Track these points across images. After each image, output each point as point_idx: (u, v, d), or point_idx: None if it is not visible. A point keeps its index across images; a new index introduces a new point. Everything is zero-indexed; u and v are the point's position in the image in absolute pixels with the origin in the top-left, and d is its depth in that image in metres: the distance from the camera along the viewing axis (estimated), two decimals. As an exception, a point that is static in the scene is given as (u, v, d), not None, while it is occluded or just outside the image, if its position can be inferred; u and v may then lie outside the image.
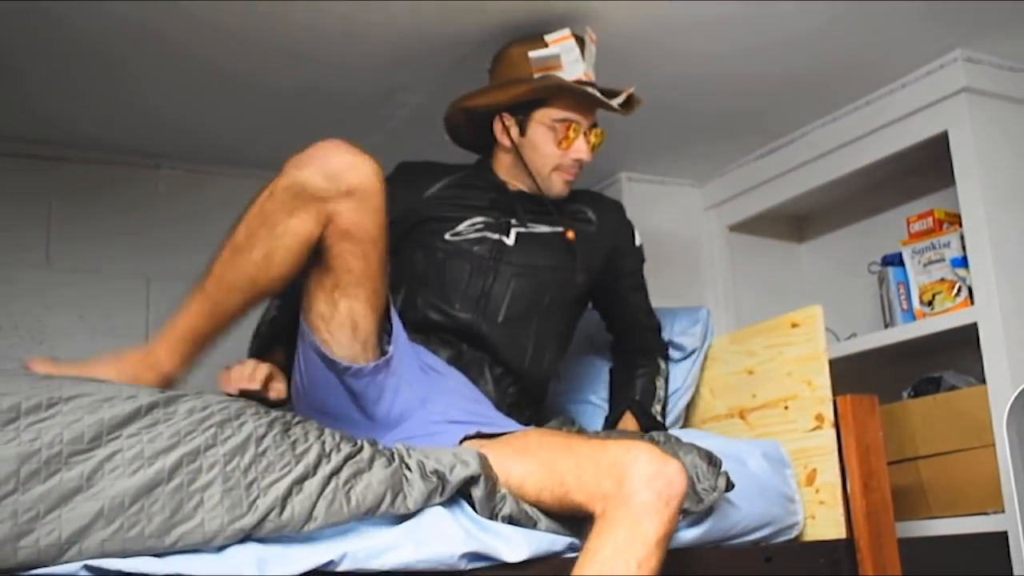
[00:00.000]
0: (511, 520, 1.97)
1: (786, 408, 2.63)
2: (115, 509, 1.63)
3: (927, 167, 3.23)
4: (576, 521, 1.98)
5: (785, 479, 2.51)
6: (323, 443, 1.86)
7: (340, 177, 2.00)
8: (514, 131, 2.54)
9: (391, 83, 2.91)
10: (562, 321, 2.60)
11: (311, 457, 1.81)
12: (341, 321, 2.10)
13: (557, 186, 2.56)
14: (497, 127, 2.57)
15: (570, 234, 2.57)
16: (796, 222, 3.94)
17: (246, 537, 1.71)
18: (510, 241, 2.54)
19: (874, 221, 3.62)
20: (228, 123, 3.13)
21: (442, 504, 1.93)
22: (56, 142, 3.20)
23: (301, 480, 1.77)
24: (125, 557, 1.64)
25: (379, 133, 3.21)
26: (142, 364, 1.99)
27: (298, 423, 1.89)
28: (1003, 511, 2.69)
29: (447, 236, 2.52)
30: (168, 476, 1.68)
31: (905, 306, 3.13)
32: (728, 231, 3.74)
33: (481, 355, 2.48)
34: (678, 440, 2.35)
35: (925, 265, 3.05)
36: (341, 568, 1.79)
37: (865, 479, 2.47)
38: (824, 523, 2.49)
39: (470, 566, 1.92)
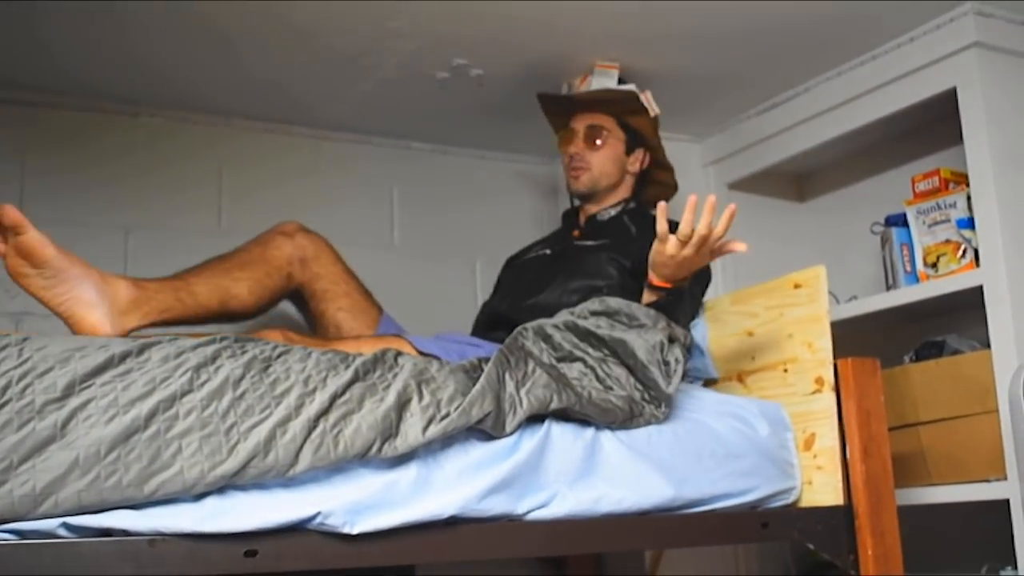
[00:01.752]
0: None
1: (785, 371, 2.63)
2: (91, 459, 1.62)
3: (934, 125, 3.21)
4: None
5: (784, 442, 2.52)
6: (306, 379, 1.85)
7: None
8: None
9: (379, 31, 2.89)
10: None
11: (292, 397, 1.80)
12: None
13: (570, 183, 3.06)
14: None
15: (575, 233, 3.05)
16: (797, 180, 3.93)
17: (227, 485, 1.71)
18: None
19: (878, 180, 3.61)
20: (211, 69, 3.09)
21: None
22: (29, 87, 3.16)
23: (284, 422, 1.77)
24: (104, 509, 1.64)
25: (366, 82, 3.18)
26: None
27: (280, 356, 1.88)
28: (1005, 478, 2.69)
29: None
30: (144, 424, 1.67)
31: (908, 268, 3.12)
32: (728, 189, 3.73)
33: None
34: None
35: (930, 226, 3.04)
36: (328, 522, 1.79)
37: (865, 444, 2.47)
38: (822, 489, 2.49)
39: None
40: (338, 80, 3.19)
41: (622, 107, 3.04)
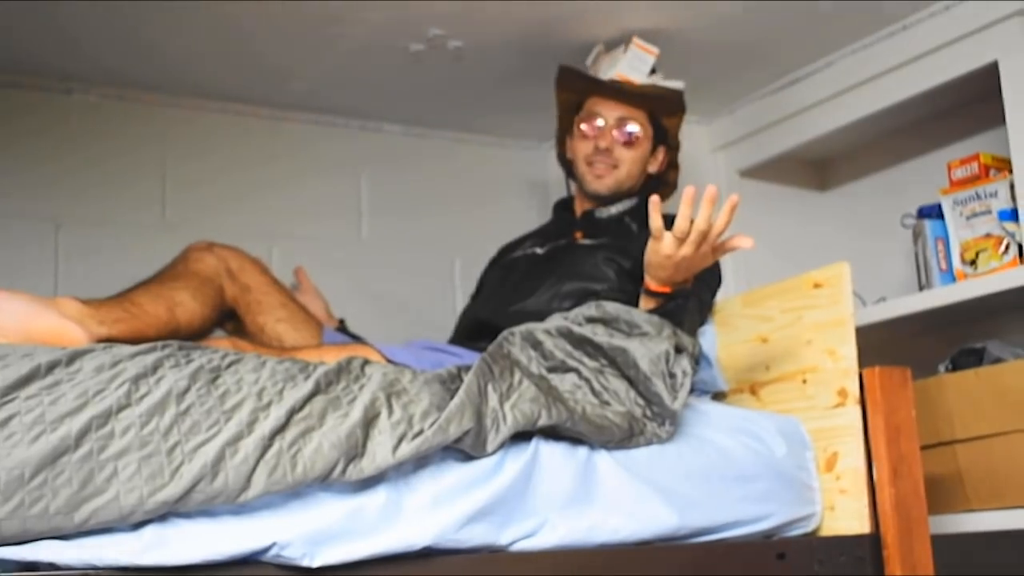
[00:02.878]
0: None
1: (804, 382, 2.63)
2: (13, 483, 1.61)
3: (972, 103, 3.22)
4: None
5: (804, 463, 2.52)
6: (260, 392, 1.84)
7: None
8: (570, 148, 3.14)
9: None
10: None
11: (244, 412, 1.79)
12: None
13: (589, 181, 3.04)
14: (566, 146, 3.18)
15: (576, 233, 3.03)
16: (818, 167, 3.93)
17: (170, 512, 1.70)
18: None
19: (909, 167, 3.61)
20: (153, 40, 3.07)
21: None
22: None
23: (235, 441, 1.76)
24: (28, 540, 1.63)
25: (330, 55, 3.17)
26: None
27: (230, 366, 1.87)
28: (1053, 504, 2.70)
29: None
30: (75, 443, 1.66)
31: (944, 266, 3.12)
32: (739, 176, 3.73)
33: None
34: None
35: (968, 218, 3.04)
36: (285, 554, 1.78)
37: (894, 465, 2.47)
38: (845, 515, 2.48)
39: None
40: (298, 52, 3.18)
41: (662, 104, 3.06)
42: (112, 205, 3.30)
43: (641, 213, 2.98)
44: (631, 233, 2.95)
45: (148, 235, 3.24)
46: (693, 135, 3.73)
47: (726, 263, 3.51)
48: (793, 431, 2.55)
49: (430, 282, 3.70)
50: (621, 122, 3.02)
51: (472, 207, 3.80)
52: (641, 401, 2.33)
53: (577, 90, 3.09)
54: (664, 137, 3.10)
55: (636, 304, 2.60)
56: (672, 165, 3.15)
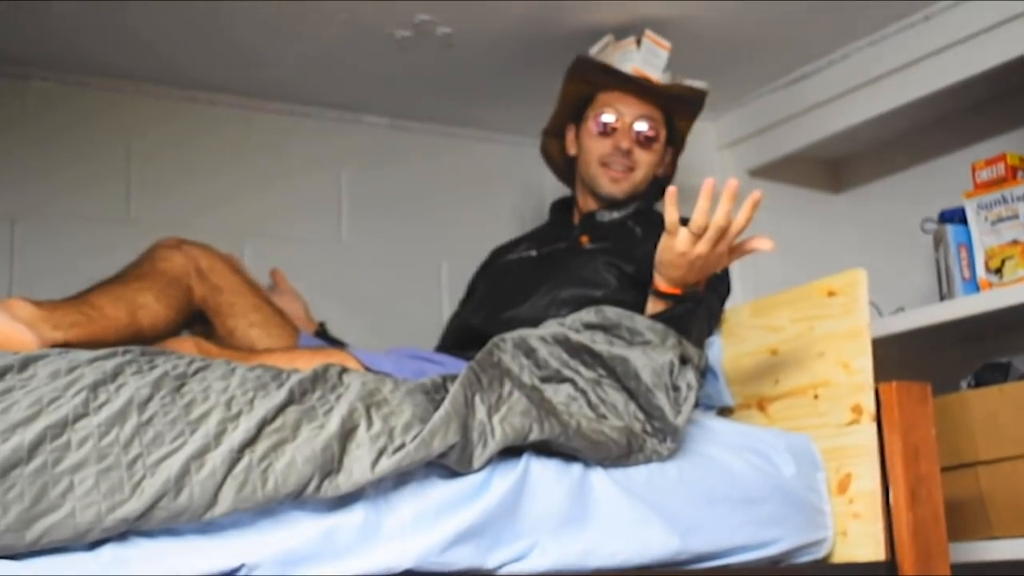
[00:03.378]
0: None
1: (816, 397, 2.63)
2: (-40, 498, 1.60)
3: (1000, 100, 3.22)
4: None
5: (814, 484, 2.51)
6: (229, 401, 1.83)
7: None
8: (575, 144, 3.13)
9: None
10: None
11: (211, 423, 1.78)
12: None
13: (604, 184, 3.02)
14: (568, 141, 3.17)
15: (583, 238, 3.02)
16: (832, 167, 3.93)
17: (130, 530, 1.69)
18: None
19: (930, 167, 3.62)
20: (117, 23, 3.06)
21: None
22: None
23: (201, 454, 1.75)
24: (-28, 561, 1.62)
25: (308, 41, 3.16)
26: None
27: (197, 373, 1.86)
28: (1083, 531, 2.69)
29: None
30: (28, 455, 1.65)
31: (967, 274, 3.12)
32: (748, 176, 3.73)
33: None
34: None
35: (994, 223, 3.04)
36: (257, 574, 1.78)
37: (912, 488, 2.47)
38: (859, 541, 2.48)
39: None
40: (274, 37, 3.17)
41: (681, 104, 3.07)
42: (72, 198, 3.28)
43: (645, 216, 2.98)
44: (634, 237, 2.94)
45: (110, 230, 3.23)
46: (699, 132, 3.70)
47: (733, 270, 3.51)
48: (803, 450, 2.55)
49: (415, 287, 3.69)
50: (641, 120, 3.02)
51: (461, 207, 3.79)
52: (641, 415, 2.32)
53: (592, 82, 3.07)
54: (674, 139, 3.11)
55: (639, 310, 2.59)
56: (673, 164, 3.16)
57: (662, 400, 2.30)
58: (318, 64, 3.33)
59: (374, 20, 3.07)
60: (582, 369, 2.36)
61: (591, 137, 3.04)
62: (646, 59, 3.03)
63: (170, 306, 2.59)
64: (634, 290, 2.74)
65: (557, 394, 2.30)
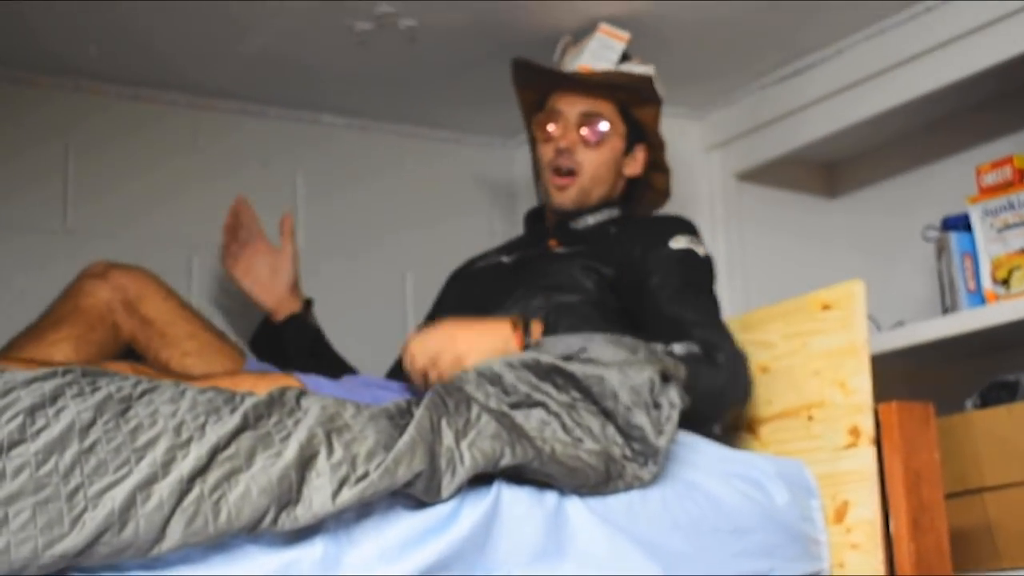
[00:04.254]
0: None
1: (810, 419, 2.63)
2: None
3: (1007, 98, 3.23)
4: None
5: (808, 512, 2.51)
6: (178, 427, 1.83)
7: None
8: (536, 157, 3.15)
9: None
10: None
11: (159, 450, 1.78)
12: None
13: (551, 194, 3.05)
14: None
15: (550, 241, 3.03)
16: (826, 170, 3.95)
17: (70, 567, 1.69)
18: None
19: (931, 170, 3.63)
20: (53, 13, 3.05)
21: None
22: None
23: (148, 484, 1.74)
24: None
25: (261, 34, 3.16)
26: None
27: (143, 396, 1.86)
28: (1097, 562, 2.71)
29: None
30: (-41, 485, 1.65)
31: (972, 285, 3.13)
32: (736, 180, 3.75)
33: None
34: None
35: (1000, 230, 3.05)
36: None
37: (914, 516, 2.47)
38: (857, 573, 2.48)
39: None
40: (223, 30, 3.17)
41: (631, 94, 3.06)
42: (4, 207, 3.27)
43: (623, 222, 2.99)
44: (609, 237, 2.96)
45: (46, 241, 3.22)
46: (684, 132, 3.75)
47: (720, 280, 3.53)
48: (797, 476, 2.55)
49: (377, 299, 3.69)
50: (584, 118, 3.04)
51: (426, 212, 3.79)
52: (620, 438, 2.32)
53: (535, 87, 3.11)
54: (641, 134, 3.10)
55: (617, 316, 2.60)
56: (658, 167, 3.15)
57: (642, 420, 2.30)
58: (271, 59, 3.32)
59: (332, 12, 3.07)
60: (554, 392, 2.35)
61: (540, 144, 3.09)
62: (596, 53, 3.04)
63: (92, 354, 2.62)
64: (614, 295, 2.77)
65: (528, 419, 2.30)
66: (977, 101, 3.32)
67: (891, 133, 3.57)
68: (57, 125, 3.36)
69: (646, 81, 3.03)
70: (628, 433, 2.31)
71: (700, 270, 2.85)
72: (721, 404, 2.67)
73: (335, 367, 3.03)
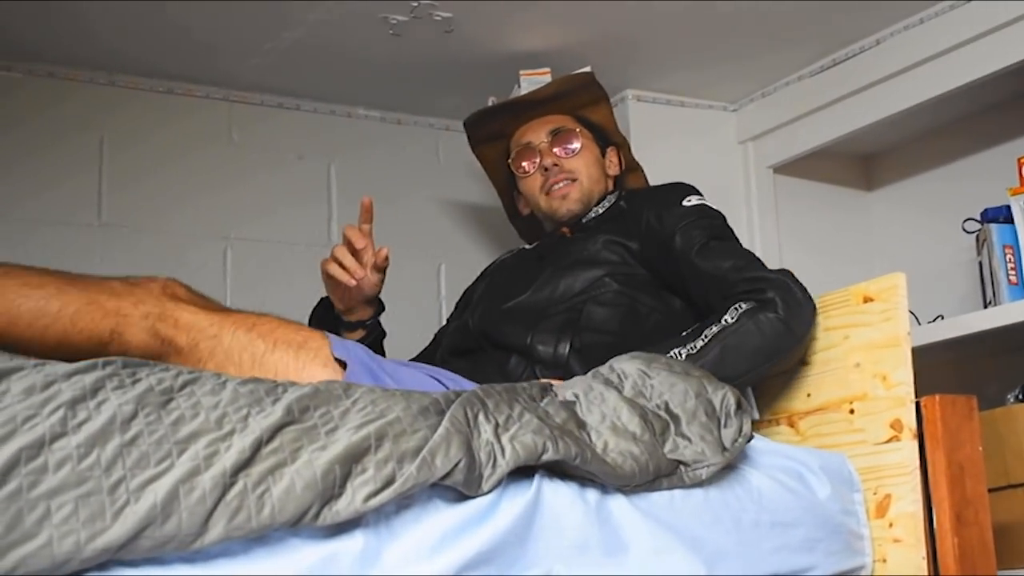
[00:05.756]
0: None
1: (851, 412, 2.61)
2: (-75, 527, 1.59)
3: (1048, 89, 3.22)
4: None
5: (851, 506, 2.50)
6: (220, 419, 1.82)
7: None
8: (524, 202, 3.21)
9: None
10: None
11: (201, 443, 1.77)
12: None
13: (556, 206, 3.06)
14: (521, 206, 3.28)
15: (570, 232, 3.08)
16: (864, 163, 3.93)
17: (112, 560, 1.68)
18: None
19: (972, 162, 3.62)
20: (88, 10, 3.05)
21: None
22: None
23: (190, 477, 1.73)
24: (-61, 598, 1.61)
25: (295, 28, 3.15)
26: None
27: (185, 387, 1.85)
28: None
29: None
30: (1, 479, 1.64)
31: (1014, 278, 3.12)
32: (771, 173, 3.73)
33: None
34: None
35: (1042, 222, 3.04)
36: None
37: (958, 510, 2.45)
38: (900, 568, 2.46)
39: None
40: (258, 24, 3.16)
41: (578, 100, 3.14)
42: (38, 199, 3.28)
43: (632, 196, 3.02)
44: (625, 213, 2.97)
45: (80, 235, 3.22)
46: (718, 125, 3.74)
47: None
48: (839, 469, 2.54)
49: (412, 290, 3.69)
50: (552, 136, 3.10)
51: (461, 204, 3.79)
52: (682, 444, 2.29)
53: (495, 132, 3.21)
54: (604, 136, 3.16)
55: (645, 288, 2.74)
56: (630, 168, 3.21)
57: (711, 434, 2.29)
58: (306, 52, 3.33)
59: (366, 4, 3.06)
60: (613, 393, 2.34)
61: (524, 181, 3.14)
62: (527, 90, 3.20)
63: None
64: (642, 267, 2.81)
65: (590, 413, 2.28)
66: (1017, 92, 3.31)
67: (930, 124, 3.56)
68: (92, 119, 3.37)
69: (586, 77, 3.13)
70: (689, 437, 2.29)
71: (718, 220, 2.86)
72: (790, 340, 2.66)
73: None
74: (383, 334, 3.05)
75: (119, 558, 1.69)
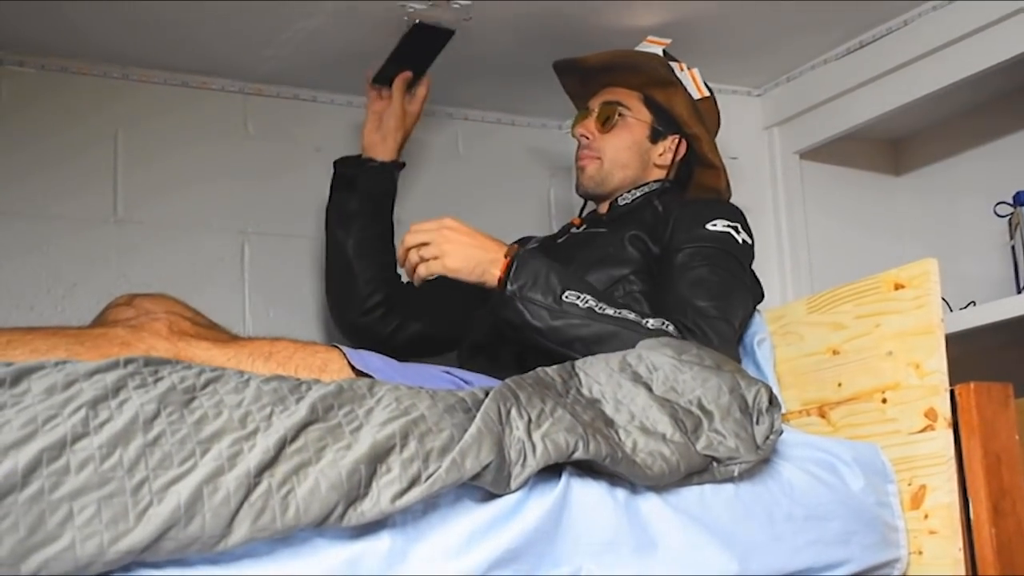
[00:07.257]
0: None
1: (884, 401, 2.62)
2: (-52, 529, 1.59)
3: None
4: None
5: (885, 498, 2.50)
6: (243, 418, 1.82)
7: None
8: None
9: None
10: None
11: (224, 443, 1.77)
12: None
13: (577, 174, 3.14)
14: None
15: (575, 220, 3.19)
16: (892, 147, 3.92)
17: (136, 562, 1.68)
18: None
19: (1003, 144, 3.60)
20: (99, 5, 3.05)
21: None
22: None
23: (214, 477, 1.73)
24: (-39, 600, 1.61)
25: (309, 19, 3.15)
26: None
27: (207, 386, 1.85)
28: None
29: None
30: (22, 480, 1.64)
31: (1048, 262, 3.11)
32: (798, 158, 3.72)
33: None
34: None
35: (1077, 205, 3.03)
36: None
37: (995, 500, 2.45)
38: (936, 560, 2.46)
39: None
40: (274, 16, 3.16)
41: (646, 77, 3.10)
42: (51, 195, 3.27)
43: (671, 199, 2.98)
44: (658, 214, 2.96)
45: (95, 232, 3.22)
46: (744, 110, 3.73)
47: (783, 260, 3.51)
48: (872, 460, 2.53)
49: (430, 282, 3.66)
50: (603, 107, 3.13)
51: (484, 196, 3.79)
52: (715, 440, 2.28)
53: (576, 89, 3.27)
54: (670, 122, 3.11)
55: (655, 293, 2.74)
56: (702, 162, 3.14)
57: (744, 430, 2.28)
58: (322, 43, 3.32)
59: (383, -6, 3.06)
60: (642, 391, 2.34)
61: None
62: None
63: None
64: (660, 271, 2.83)
65: (619, 412, 2.28)
66: (1049, 73, 3.29)
67: (959, 107, 3.55)
68: (106, 114, 3.36)
69: (651, 58, 3.10)
70: (722, 433, 2.28)
71: (732, 253, 2.83)
72: None
73: (383, 239, 3.25)
74: (393, 192, 3.27)
75: (142, 559, 1.69)
